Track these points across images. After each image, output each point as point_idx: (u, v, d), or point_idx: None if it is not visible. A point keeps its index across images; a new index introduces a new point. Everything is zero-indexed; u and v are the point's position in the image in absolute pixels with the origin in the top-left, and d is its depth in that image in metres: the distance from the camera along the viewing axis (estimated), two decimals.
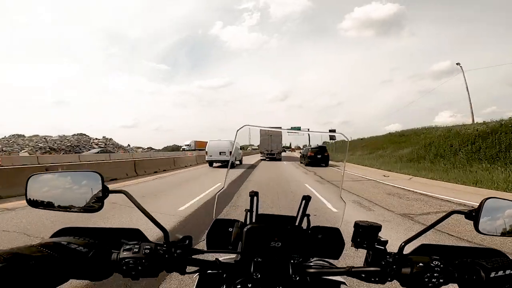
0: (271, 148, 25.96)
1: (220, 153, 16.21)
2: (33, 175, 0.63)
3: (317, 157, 18.23)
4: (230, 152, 16.04)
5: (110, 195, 0.60)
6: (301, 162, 20.78)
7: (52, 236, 0.58)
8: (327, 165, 18.38)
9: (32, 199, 0.61)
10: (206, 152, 17.10)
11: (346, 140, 0.98)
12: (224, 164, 16.52)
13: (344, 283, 0.80)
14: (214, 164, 17.24)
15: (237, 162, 18.77)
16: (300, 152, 23.90)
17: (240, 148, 22.30)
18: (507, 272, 0.55)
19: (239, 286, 0.63)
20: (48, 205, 0.60)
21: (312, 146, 19.40)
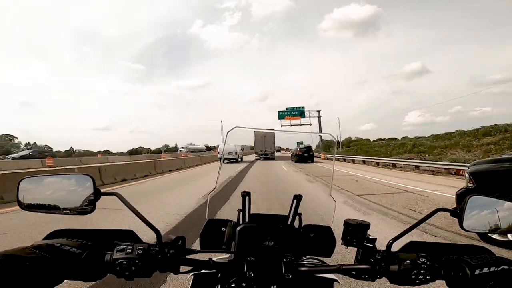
0: (265, 148, 28.08)
1: (229, 153, 23.39)
2: (24, 178, 0.63)
3: (304, 155, 22.57)
4: (236, 152, 23.71)
5: (102, 197, 0.60)
6: (291, 160, 25.00)
7: (45, 238, 0.58)
8: (312, 161, 22.70)
9: (24, 202, 0.61)
10: (218, 152, 26.03)
11: (334, 140, 1.00)
12: (231, 160, 23.80)
13: (336, 280, 0.81)
14: (225, 161, 24.56)
15: (239, 159, 25.41)
16: (291, 152, 28.09)
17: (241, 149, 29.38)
18: (492, 269, 0.56)
19: (233, 285, 0.63)
20: (40, 208, 0.60)
21: (300, 146, 24.06)
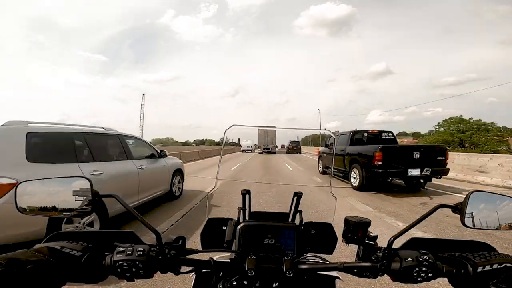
0: (267, 143, 32.13)
1: (247, 146, 36.14)
2: (21, 182, 0.62)
3: (293, 148, 32.40)
4: (251, 146, 35.96)
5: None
6: (286, 152, 33.89)
7: (45, 241, 0.58)
8: (300, 153, 32.02)
9: (22, 206, 0.61)
10: (241, 146, 37.09)
11: (333, 136, 1.00)
12: (248, 151, 34.83)
13: (338, 277, 0.81)
14: (244, 152, 34.71)
15: (253, 151, 35.88)
16: (286, 147, 37.15)
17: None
18: (495, 266, 0.55)
19: (235, 283, 0.63)
20: (39, 212, 0.60)
21: (291, 141, 33.69)
